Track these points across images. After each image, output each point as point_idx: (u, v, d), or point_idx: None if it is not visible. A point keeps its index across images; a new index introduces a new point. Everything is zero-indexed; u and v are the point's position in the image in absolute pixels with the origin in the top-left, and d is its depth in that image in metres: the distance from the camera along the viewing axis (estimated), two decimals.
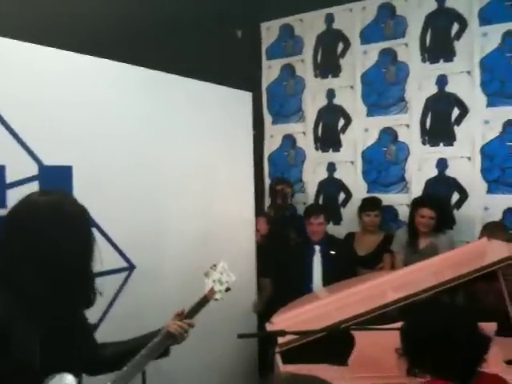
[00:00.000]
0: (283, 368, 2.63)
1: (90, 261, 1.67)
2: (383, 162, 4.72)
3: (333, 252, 4.08)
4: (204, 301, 2.14)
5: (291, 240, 4.52)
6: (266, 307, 3.90)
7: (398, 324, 2.31)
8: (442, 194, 4.39)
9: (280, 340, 2.67)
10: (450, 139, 4.40)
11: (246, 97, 3.96)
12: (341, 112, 4.94)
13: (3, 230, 1.61)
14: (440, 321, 2.06)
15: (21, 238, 1.57)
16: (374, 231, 4.44)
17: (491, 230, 3.73)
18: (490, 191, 4.23)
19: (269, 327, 2.94)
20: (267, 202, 5.22)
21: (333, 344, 2.59)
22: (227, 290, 2.20)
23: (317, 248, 4.11)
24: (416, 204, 4.18)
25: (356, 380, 2.49)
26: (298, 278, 4.00)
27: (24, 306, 1.53)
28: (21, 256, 1.54)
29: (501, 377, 2.03)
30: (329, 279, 3.86)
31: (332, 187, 5.02)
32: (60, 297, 1.58)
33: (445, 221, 4.16)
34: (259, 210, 4.40)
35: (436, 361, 1.96)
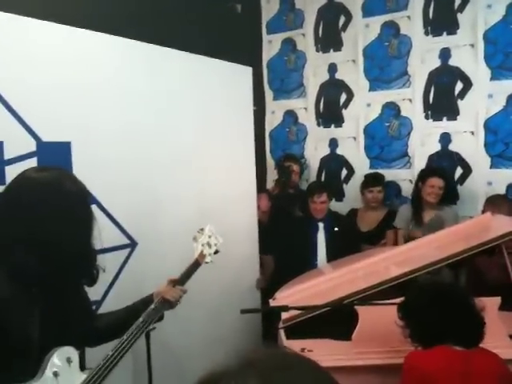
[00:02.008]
0: (287, 343, 2.64)
1: (90, 239, 1.66)
2: (386, 138, 4.68)
3: (337, 229, 4.07)
4: (195, 265, 2.16)
5: (295, 217, 4.49)
6: (269, 284, 3.90)
7: (401, 299, 2.32)
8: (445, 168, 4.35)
9: (283, 315, 2.67)
10: (453, 113, 4.35)
11: (246, 72, 3.90)
12: (343, 87, 4.87)
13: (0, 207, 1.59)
14: (436, 289, 2.15)
15: (18, 215, 1.54)
16: (376, 207, 4.42)
17: (495, 202, 3.71)
18: (493, 166, 4.20)
19: (272, 303, 2.94)
20: (269, 178, 5.19)
21: (336, 319, 2.59)
22: (216, 252, 2.23)
23: (320, 225, 4.09)
24: (424, 175, 4.15)
25: (360, 354, 2.49)
26: (303, 255, 3.99)
27: (21, 284, 1.52)
28: (18, 234, 1.52)
29: (496, 354, 2.04)
30: (333, 256, 3.85)
31: (334, 163, 4.98)
32: (60, 275, 1.57)
33: (450, 194, 4.13)
34: (261, 187, 4.37)
35: (435, 327, 2.01)
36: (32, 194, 1.56)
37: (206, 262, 2.20)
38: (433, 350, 2.02)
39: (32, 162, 2.26)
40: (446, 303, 2.05)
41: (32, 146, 2.30)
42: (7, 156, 2.19)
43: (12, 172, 2.14)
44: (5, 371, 1.48)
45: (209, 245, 2.22)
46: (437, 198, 4.00)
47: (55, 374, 1.55)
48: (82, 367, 1.67)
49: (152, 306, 1.94)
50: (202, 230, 2.25)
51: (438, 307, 2.04)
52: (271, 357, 0.79)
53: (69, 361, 1.59)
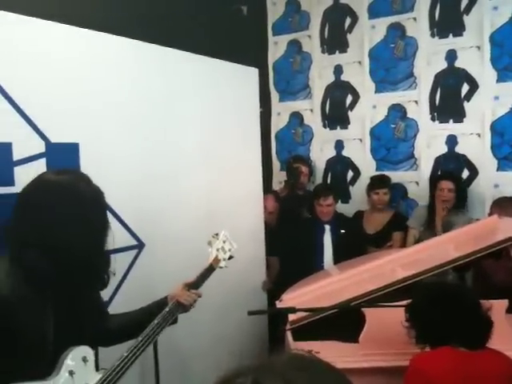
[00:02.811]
0: (293, 345, 2.63)
1: (103, 243, 1.66)
2: (392, 139, 4.68)
3: (343, 231, 4.07)
4: (209, 270, 2.18)
5: (303, 218, 4.49)
6: (275, 286, 3.90)
7: (408, 301, 2.32)
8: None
9: (290, 317, 2.67)
10: (459, 115, 4.35)
11: (253, 73, 3.91)
12: (348, 88, 4.87)
13: (15, 209, 1.58)
14: (441, 289, 2.15)
15: (33, 218, 1.54)
16: (382, 209, 4.41)
17: (502, 205, 3.71)
18: (500, 168, 4.19)
19: (279, 305, 2.94)
20: (275, 180, 5.20)
21: (343, 321, 2.59)
22: (230, 257, 2.26)
23: (327, 227, 4.10)
24: (434, 180, 4.18)
25: (366, 356, 2.48)
26: (309, 257, 3.99)
27: (35, 286, 1.52)
28: (32, 236, 1.52)
29: (506, 355, 2.03)
30: (339, 258, 3.86)
31: (340, 165, 4.98)
32: (73, 277, 1.57)
33: (460, 198, 4.11)
34: (266, 189, 4.38)
35: (440, 328, 2.01)
36: (46, 195, 1.56)
37: (220, 267, 2.22)
38: (437, 352, 2.01)
39: (41, 163, 2.27)
40: (450, 304, 2.04)
41: (41, 147, 2.30)
42: (16, 157, 2.19)
43: (21, 173, 2.16)
44: (20, 371, 1.48)
45: (223, 250, 2.24)
46: (449, 201, 3.99)
47: (71, 373, 1.56)
48: (97, 367, 1.68)
49: (166, 309, 1.95)
50: (216, 234, 2.26)
51: (442, 308, 2.03)
52: (289, 359, 0.81)
53: (84, 360, 1.60)
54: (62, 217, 1.54)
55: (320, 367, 0.81)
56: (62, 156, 2.38)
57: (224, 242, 2.26)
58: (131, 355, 1.72)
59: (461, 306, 2.05)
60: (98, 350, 1.75)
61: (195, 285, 2.09)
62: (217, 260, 2.21)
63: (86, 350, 1.62)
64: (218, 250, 2.22)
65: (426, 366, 1.97)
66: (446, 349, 2.00)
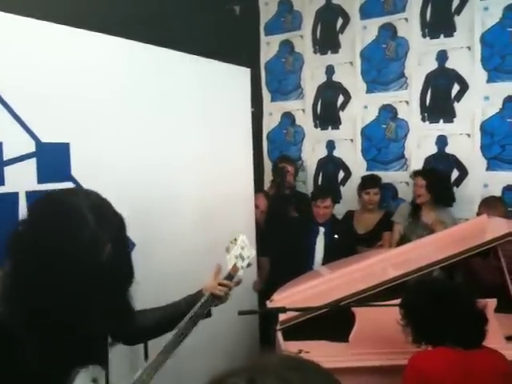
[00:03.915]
0: (284, 345, 2.64)
1: (127, 285, 1.64)
2: (383, 140, 4.70)
3: (337, 236, 4.09)
4: (228, 278, 2.07)
5: (290, 218, 4.50)
6: (266, 286, 3.91)
7: (399, 300, 2.33)
8: (440, 170, 4.36)
9: (281, 317, 2.67)
10: (449, 116, 4.37)
11: (245, 73, 3.91)
12: (340, 89, 4.89)
13: (24, 232, 1.48)
14: (438, 287, 2.15)
15: (32, 232, 1.47)
16: (373, 209, 4.43)
17: (490, 204, 3.74)
18: (489, 168, 4.22)
19: (269, 305, 2.94)
20: (266, 180, 5.21)
21: (333, 321, 2.60)
22: (248, 265, 2.12)
23: (321, 230, 4.11)
24: (413, 176, 4.24)
25: (356, 356, 2.50)
26: (299, 256, 4.00)
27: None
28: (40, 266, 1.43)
29: (501, 354, 2.05)
30: (330, 259, 3.86)
31: (331, 165, 5.00)
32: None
33: (443, 195, 4.14)
34: (258, 189, 4.38)
35: (436, 327, 2.01)
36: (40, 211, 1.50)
37: (239, 276, 2.10)
38: (435, 351, 2.02)
39: (31, 163, 2.26)
40: (448, 301, 2.04)
41: (31, 146, 2.29)
42: (6, 157, 2.18)
43: (11, 172, 2.16)
44: None
45: (241, 257, 2.09)
46: (420, 195, 4.07)
47: None
48: None
49: (199, 303, 1.90)
50: (234, 240, 2.13)
51: (440, 305, 2.03)
52: (281, 359, 0.83)
53: (95, 381, 1.54)
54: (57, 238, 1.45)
55: (310, 367, 0.83)
56: (53, 156, 2.37)
57: (242, 248, 2.11)
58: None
59: (458, 303, 2.05)
60: (108, 370, 1.68)
61: (227, 277, 2.02)
62: (235, 269, 2.07)
63: (95, 371, 1.56)
64: (236, 257, 2.08)
65: (423, 365, 1.98)
66: (443, 348, 2.01)
